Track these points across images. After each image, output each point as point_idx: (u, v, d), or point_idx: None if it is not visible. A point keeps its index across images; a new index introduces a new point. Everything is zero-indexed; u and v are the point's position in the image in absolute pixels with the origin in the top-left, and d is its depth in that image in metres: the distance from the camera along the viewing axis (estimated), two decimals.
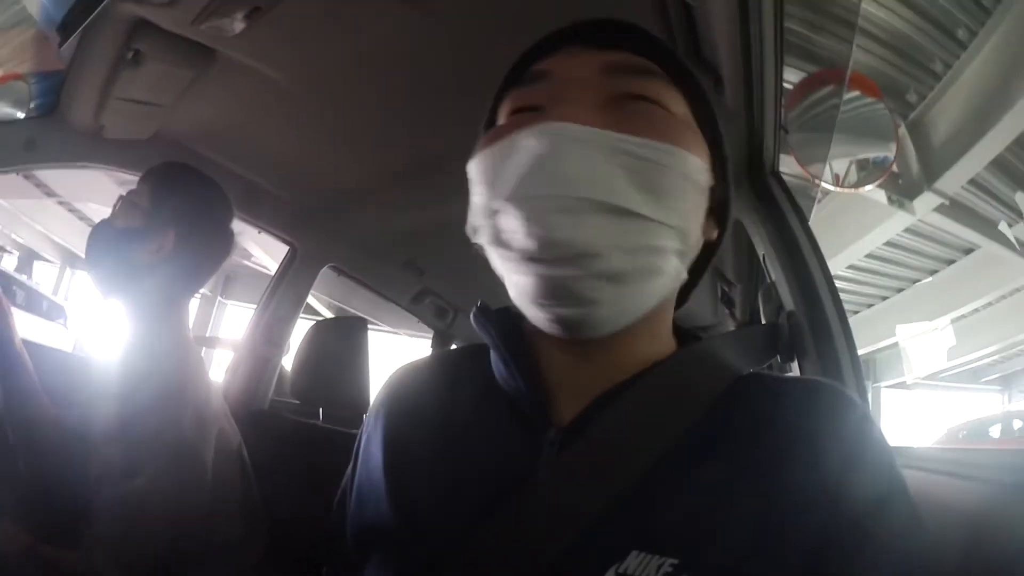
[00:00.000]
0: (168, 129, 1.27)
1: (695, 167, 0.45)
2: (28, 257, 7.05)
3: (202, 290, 1.41)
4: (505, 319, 0.52)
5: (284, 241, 1.76)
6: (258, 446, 1.07)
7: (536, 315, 0.46)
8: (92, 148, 1.17)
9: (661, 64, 0.49)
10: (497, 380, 0.52)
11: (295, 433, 1.50)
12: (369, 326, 1.74)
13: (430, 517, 0.46)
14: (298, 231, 1.73)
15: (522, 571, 0.41)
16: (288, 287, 1.77)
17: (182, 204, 1.06)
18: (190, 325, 1.10)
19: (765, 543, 0.40)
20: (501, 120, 0.51)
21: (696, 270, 0.53)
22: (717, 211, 0.52)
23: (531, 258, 0.43)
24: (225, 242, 1.14)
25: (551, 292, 0.43)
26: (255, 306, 1.79)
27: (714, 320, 2.04)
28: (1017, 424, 7.71)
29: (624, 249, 0.42)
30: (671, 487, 0.43)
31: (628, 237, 0.42)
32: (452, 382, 0.54)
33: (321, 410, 1.61)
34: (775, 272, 0.98)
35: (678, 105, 0.48)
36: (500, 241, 0.45)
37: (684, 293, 0.55)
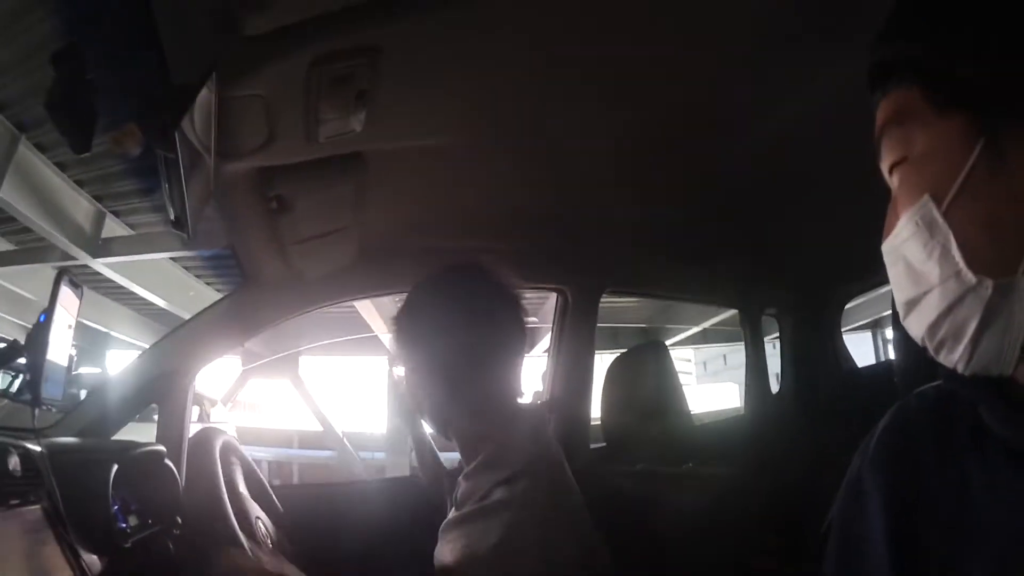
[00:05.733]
0: (372, 237, 1.13)
1: (916, 217, 0.42)
2: None
3: None
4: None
5: (549, 290, 1.52)
6: (591, 505, 0.93)
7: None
8: (299, 296, 1.11)
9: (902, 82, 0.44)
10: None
11: (628, 484, 1.36)
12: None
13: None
14: (556, 272, 1.47)
15: None
16: (571, 334, 1.54)
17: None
18: None
19: None
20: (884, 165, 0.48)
21: None
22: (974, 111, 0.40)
23: None
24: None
25: None
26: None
27: None
28: None
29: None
30: None
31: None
32: (937, 427, 0.49)
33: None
34: None
35: (920, 131, 0.43)
36: None
37: None
